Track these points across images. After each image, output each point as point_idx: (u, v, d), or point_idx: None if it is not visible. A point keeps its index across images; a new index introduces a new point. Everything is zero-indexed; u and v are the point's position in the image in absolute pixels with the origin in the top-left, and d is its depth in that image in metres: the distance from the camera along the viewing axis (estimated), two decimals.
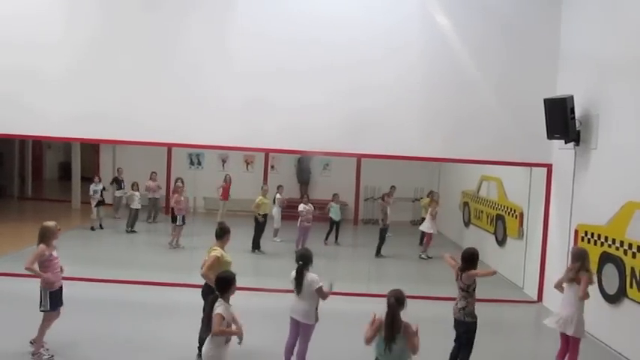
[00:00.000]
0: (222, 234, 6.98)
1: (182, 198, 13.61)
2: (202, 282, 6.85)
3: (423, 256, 13.93)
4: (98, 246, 14.14)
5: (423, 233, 14.21)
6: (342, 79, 10.12)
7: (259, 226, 13.57)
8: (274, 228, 14.46)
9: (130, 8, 10.23)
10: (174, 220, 13.66)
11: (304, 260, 6.54)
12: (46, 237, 6.68)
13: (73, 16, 10.18)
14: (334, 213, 14.72)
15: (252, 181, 14.31)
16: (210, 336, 5.41)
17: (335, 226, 14.83)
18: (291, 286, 6.62)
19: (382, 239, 13.70)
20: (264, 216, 13.59)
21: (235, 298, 5.66)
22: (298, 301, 6.56)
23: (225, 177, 15.78)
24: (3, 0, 10.08)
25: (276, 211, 14.38)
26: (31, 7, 10.04)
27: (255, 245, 13.54)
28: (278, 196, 14.41)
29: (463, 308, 6.67)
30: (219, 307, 5.37)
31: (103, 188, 15.26)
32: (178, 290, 9.62)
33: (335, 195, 14.78)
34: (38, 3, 10.09)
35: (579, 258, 6.85)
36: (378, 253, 13.66)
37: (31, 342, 6.92)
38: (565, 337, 6.94)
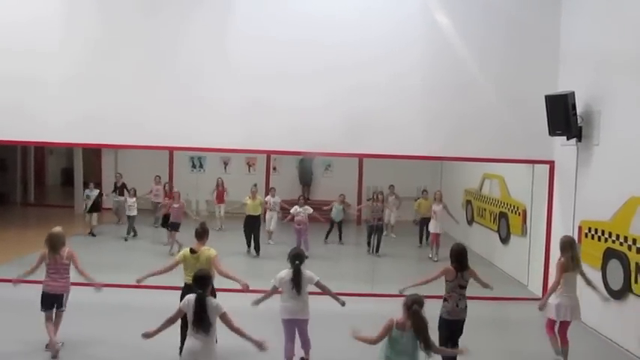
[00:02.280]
0: (203, 234, 7.11)
1: (176, 205, 13.11)
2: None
3: (435, 258, 13.27)
4: (98, 251, 13.90)
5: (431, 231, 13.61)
6: (343, 79, 10.08)
7: (245, 227, 13.28)
8: (267, 230, 14.19)
9: (129, 12, 10.22)
10: (165, 225, 13.29)
11: (300, 259, 6.66)
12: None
13: (72, 21, 10.18)
14: (335, 213, 14.66)
15: (254, 183, 14.28)
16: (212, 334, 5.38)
17: (337, 226, 14.76)
18: (284, 288, 6.63)
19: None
20: (252, 217, 13.21)
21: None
22: (297, 300, 6.63)
23: (217, 181, 15.60)
24: (2, 7, 10.09)
25: (268, 215, 14.14)
26: (31, 14, 10.02)
27: (248, 244, 13.28)
28: (267, 198, 14.03)
29: (466, 307, 6.62)
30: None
31: (100, 194, 15.00)
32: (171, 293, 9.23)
33: (340, 195, 14.72)
34: (37, 10, 10.07)
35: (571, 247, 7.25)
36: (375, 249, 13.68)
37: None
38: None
